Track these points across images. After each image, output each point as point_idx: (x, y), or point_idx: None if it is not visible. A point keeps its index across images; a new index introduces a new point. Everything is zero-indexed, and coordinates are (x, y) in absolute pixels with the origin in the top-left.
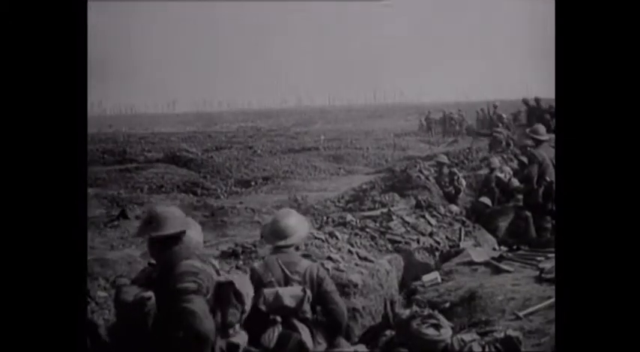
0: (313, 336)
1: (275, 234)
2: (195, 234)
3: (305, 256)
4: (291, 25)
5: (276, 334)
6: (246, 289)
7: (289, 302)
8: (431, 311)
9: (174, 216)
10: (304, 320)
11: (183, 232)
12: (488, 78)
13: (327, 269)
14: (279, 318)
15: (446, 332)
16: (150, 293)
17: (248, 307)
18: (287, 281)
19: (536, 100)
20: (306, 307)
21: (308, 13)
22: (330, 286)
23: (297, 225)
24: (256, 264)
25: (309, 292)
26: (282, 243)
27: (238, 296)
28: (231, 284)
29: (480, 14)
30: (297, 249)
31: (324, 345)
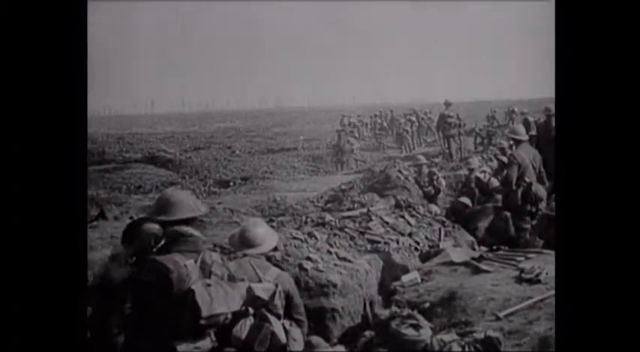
0: (286, 332)
1: (244, 243)
2: None
3: (276, 265)
4: (269, 25)
5: (247, 325)
6: None
7: (261, 293)
8: (410, 311)
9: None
10: (276, 315)
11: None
12: (488, 78)
13: (306, 270)
14: (251, 310)
15: (425, 333)
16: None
17: None
18: (259, 282)
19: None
20: (277, 302)
21: (288, 14)
22: (298, 299)
23: (265, 234)
24: (229, 263)
25: (280, 287)
26: (250, 251)
27: None
28: None
29: (480, 15)
30: (268, 259)
31: (300, 343)
